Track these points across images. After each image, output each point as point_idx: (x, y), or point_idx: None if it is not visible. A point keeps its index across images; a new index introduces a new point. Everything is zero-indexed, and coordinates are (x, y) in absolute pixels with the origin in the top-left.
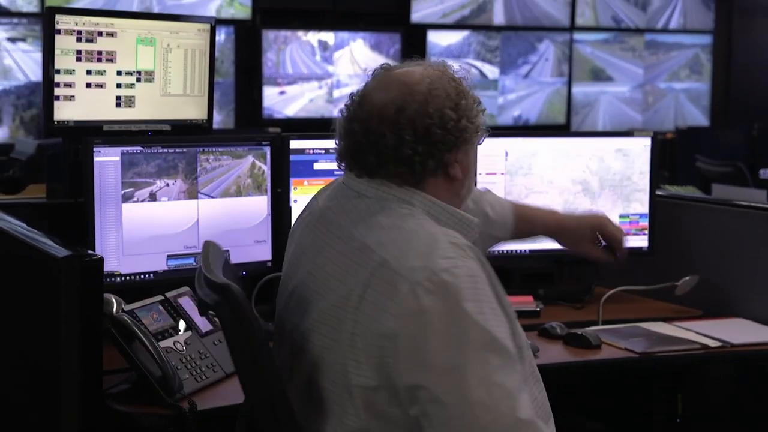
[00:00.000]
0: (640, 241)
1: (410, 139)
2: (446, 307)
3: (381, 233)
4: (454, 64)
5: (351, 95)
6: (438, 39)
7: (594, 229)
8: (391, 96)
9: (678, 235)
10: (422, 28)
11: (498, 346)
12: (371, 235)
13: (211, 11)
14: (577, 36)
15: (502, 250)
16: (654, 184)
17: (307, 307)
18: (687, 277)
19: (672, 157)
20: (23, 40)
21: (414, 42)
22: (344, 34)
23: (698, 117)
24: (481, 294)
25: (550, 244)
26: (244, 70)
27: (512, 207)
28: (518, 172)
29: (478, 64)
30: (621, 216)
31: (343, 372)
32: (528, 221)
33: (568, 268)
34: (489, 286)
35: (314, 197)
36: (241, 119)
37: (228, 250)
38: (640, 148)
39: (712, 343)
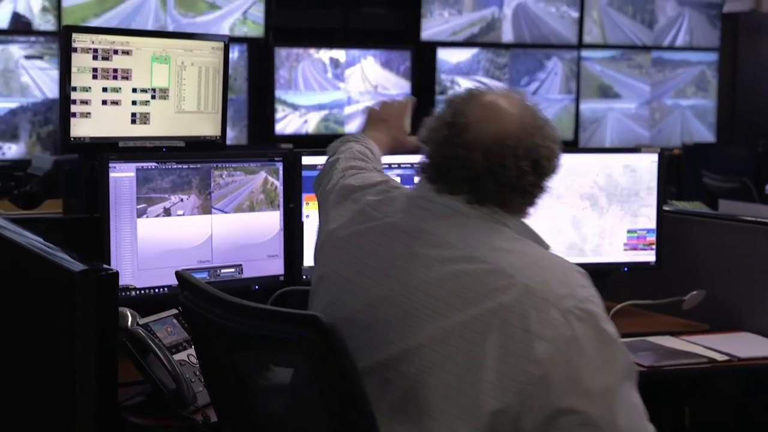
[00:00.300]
0: (647, 256)
1: (528, 171)
2: (595, 333)
3: (510, 257)
4: (520, 91)
5: (448, 122)
6: (447, 56)
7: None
8: (506, 128)
9: (685, 250)
10: (432, 46)
11: (633, 367)
12: (500, 259)
13: (224, 29)
14: (585, 53)
15: None
16: (661, 199)
17: (410, 325)
18: (694, 292)
19: (679, 173)
20: (40, 57)
21: (424, 59)
22: (355, 52)
23: (704, 133)
24: (610, 320)
25: None
26: (257, 87)
27: (379, 148)
28: None
29: (487, 81)
30: (629, 231)
31: (462, 393)
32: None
33: None
34: None
35: (369, 210)
36: (253, 135)
37: None
38: (648, 164)
39: (719, 357)
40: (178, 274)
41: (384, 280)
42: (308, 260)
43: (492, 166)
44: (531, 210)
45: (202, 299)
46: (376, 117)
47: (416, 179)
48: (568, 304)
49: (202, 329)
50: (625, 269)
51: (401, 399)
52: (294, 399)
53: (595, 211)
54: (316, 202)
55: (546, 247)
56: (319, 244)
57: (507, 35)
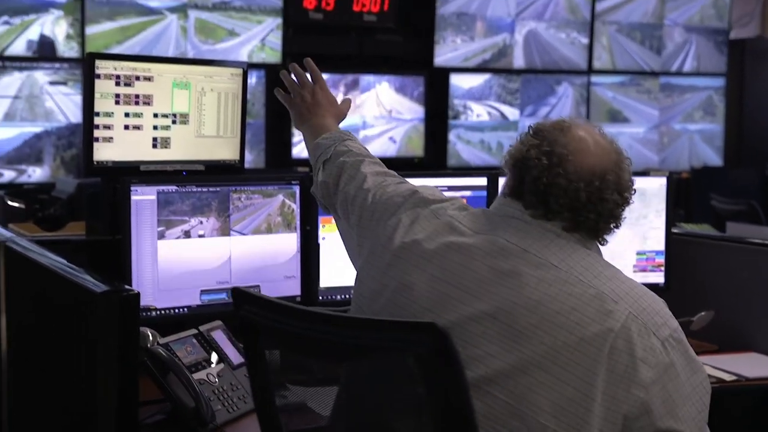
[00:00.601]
0: (656, 278)
1: (620, 202)
2: (686, 360)
3: (611, 284)
4: (599, 125)
5: (547, 151)
6: (460, 82)
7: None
8: (601, 161)
9: (693, 271)
10: (445, 72)
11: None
12: (603, 285)
13: (243, 56)
14: (595, 79)
15: None
16: (670, 222)
17: (517, 342)
18: (702, 313)
19: (687, 196)
20: (64, 83)
21: (437, 85)
22: (370, 77)
23: (712, 157)
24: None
25: None
26: (275, 112)
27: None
28: None
29: (499, 105)
30: (638, 253)
31: (572, 412)
32: None
33: None
34: None
35: (457, 224)
36: (271, 159)
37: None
38: (657, 187)
39: (727, 377)
40: (239, 291)
41: (486, 295)
42: (324, 281)
43: (592, 197)
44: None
45: (283, 314)
46: (315, 105)
47: (500, 199)
48: (665, 333)
49: (272, 343)
50: None
51: (504, 414)
52: (397, 409)
53: None
54: (329, 204)
55: None
56: (393, 253)
57: (518, 61)
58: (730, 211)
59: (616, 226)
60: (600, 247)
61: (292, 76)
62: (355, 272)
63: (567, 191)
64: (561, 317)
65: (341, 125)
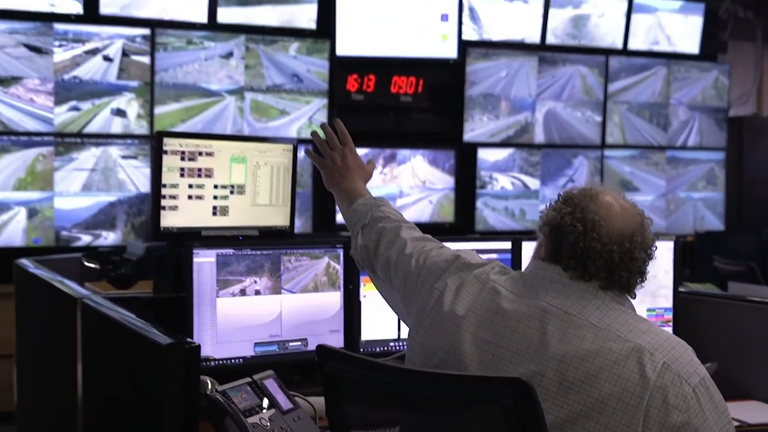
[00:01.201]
0: None
1: (647, 259)
2: (713, 405)
3: (647, 336)
4: (620, 191)
5: (579, 218)
6: (487, 155)
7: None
8: (629, 224)
9: (699, 326)
10: (473, 146)
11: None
12: (640, 338)
13: (292, 132)
14: (608, 152)
15: None
16: (677, 281)
17: (567, 397)
18: (707, 364)
19: (692, 257)
20: (135, 157)
21: (466, 158)
22: (406, 151)
23: (714, 222)
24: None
25: None
26: (321, 182)
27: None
28: None
29: (522, 176)
30: (648, 309)
31: None
32: None
33: None
34: None
35: (501, 288)
36: (317, 224)
37: None
38: (664, 249)
39: None
40: (325, 348)
41: (534, 356)
42: (365, 335)
43: (624, 257)
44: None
45: (371, 370)
46: (345, 169)
47: (537, 262)
48: (695, 381)
49: (355, 397)
50: None
51: None
52: None
53: None
54: (368, 266)
55: None
56: (443, 319)
57: (539, 137)
58: (731, 272)
59: (643, 281)
60: (631, 300)
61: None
62: (395, 324)
63: (602, 254)
64: (604, 372)
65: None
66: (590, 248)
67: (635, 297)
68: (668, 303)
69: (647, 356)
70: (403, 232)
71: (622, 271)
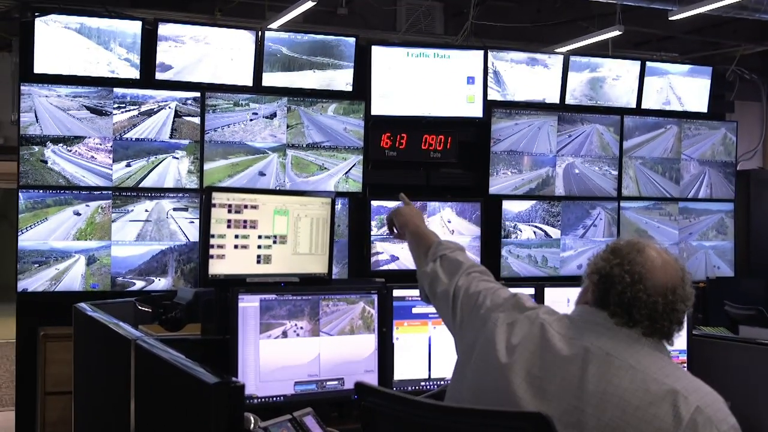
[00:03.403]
0: None
1: (685, 310)
2: None
3: (683, 381)
4: (661, 244)
5: (627, 270)
6: (511, 207)
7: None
8: (671, 277)
9: (711, 368)
10: (498, 198)
11: None
12: (676, 382)
13: (330, 186)
14: (624, 204)
15: None
16: (691, 325)
17: (608, 430)
18: None
19: (704, 302)
20: (185, 209)
21: (491, 209)
22: (435, 203)
23: (725, 269)
24: None
25: None
26: (356, 232)
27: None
28: None
29: (543, 226)
30: None
31: None
32: None
33: None
34: None
35: (549, 328)
36: (353, 271)
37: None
38: None
39: None
40: (363, 385)
41: (577, 392)
42: (398, 374)
43: (667, 308)
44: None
45: (409, 406)
46: (415, 215)
47: (583, 307)
48: (725, 427)
49: (391, 429)
50: None
51: None
52: None
53: None
54: (431, 291)
55: None
56: (493, 355)
57: (559, 189)
58: (741, 316)
59: (680, 329)
60: (668, 347)
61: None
62: (425, 365)
63: (647, 304)
64: (641, 411)
65: None
66: (636, 298)
67: (672, 344)
68: (683, 345)
69: (682, 399)
70: (474, 270)
71: (665, 321)
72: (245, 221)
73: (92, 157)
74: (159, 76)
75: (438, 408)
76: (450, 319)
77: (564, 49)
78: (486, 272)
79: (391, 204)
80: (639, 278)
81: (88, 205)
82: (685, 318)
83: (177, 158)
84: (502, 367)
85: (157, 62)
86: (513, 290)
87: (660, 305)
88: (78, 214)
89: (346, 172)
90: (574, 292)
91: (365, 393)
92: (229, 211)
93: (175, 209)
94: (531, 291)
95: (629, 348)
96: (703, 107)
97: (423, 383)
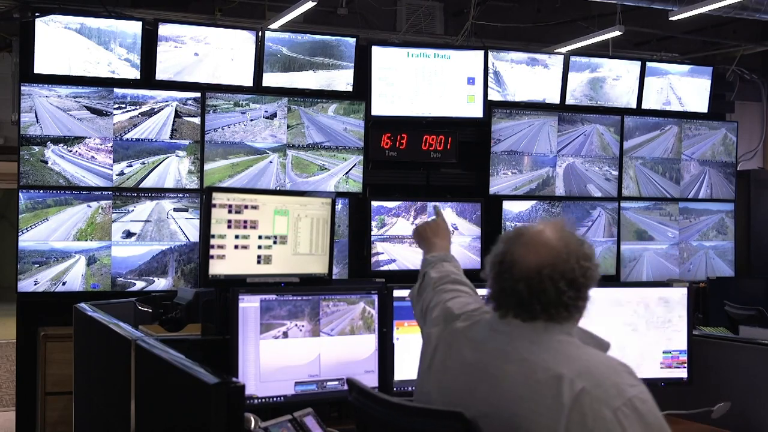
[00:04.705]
0: (680, 373)
1: (565, 289)
2: (642, 426)
3: (572, 364)
4: (564, 219)
5: (498, 261)
6: (511, 207)
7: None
8: (542, 258)
9: (712, 368)
10: (498, 199)
11: None
12: (564, 367)
13: (330, 186)
14: (624, 204)
15: None
16: (691, 325)
17: (514, 429)
18: (721, 404)
19: (705, 302)
20: (185, 210)
21: (492, 209)
22: (436, 204)
23: (725, 269)
24: (657, 410)
25: None
26: (356, 232)
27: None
28: None
29: None
30: (664, 352)
31: None
32: None
33: None
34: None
35: (461, 337)
36: (353, 271)
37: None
38: (679, 295)
39: None
40: (350, 381)
41: (486, 395)
42: (398, 375)
43: (534, 291)
44: (578, 315)
45: (370, 400)
46: (432, 234)
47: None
48: (617, 403)
49: (366, 423)
50: (662, 384)
51: None
52: None
53: (636, 335)
54: (416, 311)
55: (605, 345)
56: (428, 362)
57: (559, 190)
58: (741, 316)
59: (573, 309)
60: (581, 327)
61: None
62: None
63: (512, 291)
64: (528, 401)
65: None
66: (503, 288)
67: (567, 320)
68: (683, 345)
69: (566, 382)
70: (447, 284)
71: (534, 305)
72: (245, 221)
73: (92, 157)
74: (159, 76)
75: (384, 403)
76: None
77: (564, 49)
78: (455, 281)
79: (391, 204)
80: (508, 267)
81: (89, 206)
82: (580, 297)
83: (180, 157)
84: (423, 380)
85: (157, 62)
86: (461, 298)
87: (524, 291)
88: (90, 206)
89: (347, 173)
90: None
91: (351, 389)
92: (230, 212)
93: (175, 209)
94: None
95: (528, 341)
96: (703, 107)
97: None
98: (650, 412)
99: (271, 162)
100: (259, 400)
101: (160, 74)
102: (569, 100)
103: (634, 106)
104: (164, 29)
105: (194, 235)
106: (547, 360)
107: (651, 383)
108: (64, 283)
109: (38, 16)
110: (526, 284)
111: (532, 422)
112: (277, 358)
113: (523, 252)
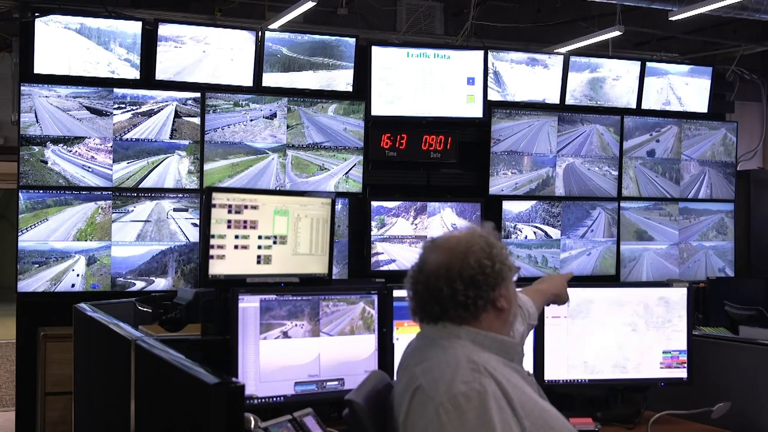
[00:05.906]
0: (680, 373)
1: (461, 288)
2: (460, 422)
3: (424, 364)
4: (486, 224)
5: (412, 267)
6: (511, 207)
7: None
8: (440, 259)
9: (712, 368)
10: (498, 199)
11: None
12: (420, 370)
13: (330, 186)
14: (624, 204)
15: (566, 380)
16: (690, 325)
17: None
18: (721, 404)
19: (704, 302)
20: (185, 210)
21: (491, 210)
22: (435, 204)
23: (725, 269)
24: (489, 408)
25: (606, 375)
26: (356, 233)
27: (534, 303)
28: (578, 315)
29: (544, 227)
30: (664, 352)
31: None
32: (540, 306)
33: (621, 394)
34: (502, 400)
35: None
36: (353, 272)
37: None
38: (678, 295)
39: None
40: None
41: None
42: None
43: (432, 292)
44: (487, 316)
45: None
46: (554, 295)
47: None
48: (441, 398)
49: None
50: (662, 384)
51: None
52: None
53: (636, 334)
54: None
55: (512, 351)
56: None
57: (559, 190)
58: (741, 316)
59: (473, 308)
60: (477, 330)
61: None
62: None
63: (415, 295)
64: (399, 406)
65: None
66: (414, 291)
67: (472, 322)
68: (683, 345)
69: (414, 382)
70: None
71: (433, 306)
72: (245, 222)
73: (92, 157)
74: (159, 76)
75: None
76: None
77: (564, 49)
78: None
79: (391, 204)
80: (417, 272)
81: (88, 206)
82: (480, 296)
83: (180, 157)
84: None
85: (157, 62)
86: None
87: (423, 292)
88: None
89: (346, 173)
90: (573, 292)
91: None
92: (230, 212)
93: (175, 210)
94: None
95: (416, 348)
96: (703, 108)
97: None
98: (474, 410)
99: (265, 169)
100: (259, 400)
101: (160, 74)
102: (569, 100)
103: (633, 106)
104: (164, 29)
105: (194, 235)
106: (421, 363)
107: (651, 383)
108: (72, 285)
109: (38, 16)
110: (425, 286)
111: (398, 421)
112: (276, 358)
113: (431, 258)
